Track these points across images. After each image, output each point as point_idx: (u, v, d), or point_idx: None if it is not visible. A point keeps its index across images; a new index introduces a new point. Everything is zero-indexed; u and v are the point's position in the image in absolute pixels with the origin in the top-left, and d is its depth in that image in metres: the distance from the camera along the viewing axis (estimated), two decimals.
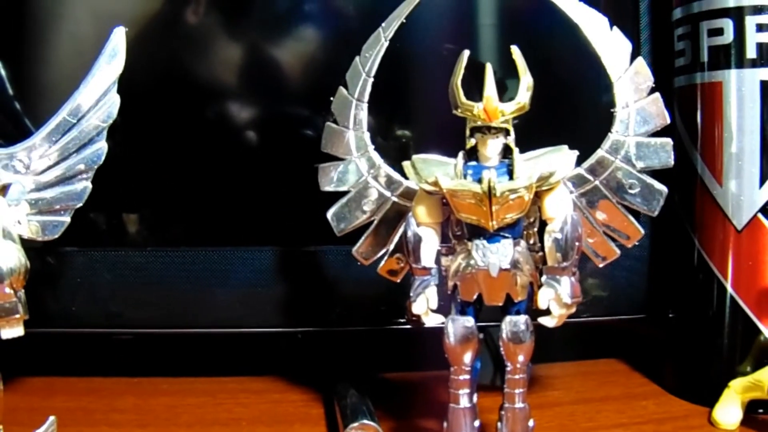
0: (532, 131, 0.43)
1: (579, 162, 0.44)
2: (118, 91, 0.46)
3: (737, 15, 0.50)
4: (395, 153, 0.49)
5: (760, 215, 0.50)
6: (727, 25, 0.50)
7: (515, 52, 0.42)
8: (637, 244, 0.54)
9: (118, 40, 0.45)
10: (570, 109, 0.55)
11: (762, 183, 0.50)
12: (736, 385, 0.50)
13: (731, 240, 0.51)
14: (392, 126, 0.57)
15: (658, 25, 0.57)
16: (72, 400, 0.53)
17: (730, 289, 0.52)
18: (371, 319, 0.57)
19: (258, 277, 0.56)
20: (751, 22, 0.50)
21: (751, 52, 0.50)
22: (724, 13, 0.51)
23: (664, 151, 0.44)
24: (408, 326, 0.51)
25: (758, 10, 0.50)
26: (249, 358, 0.64)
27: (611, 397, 0.55)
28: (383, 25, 0.46)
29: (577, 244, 0.41)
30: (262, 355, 0.64)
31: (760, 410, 0.51)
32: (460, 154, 0.42)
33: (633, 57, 0.46)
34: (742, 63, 0.50)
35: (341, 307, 0.57)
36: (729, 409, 0.50)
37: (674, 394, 0.55)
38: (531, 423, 0.44)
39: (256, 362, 0.62)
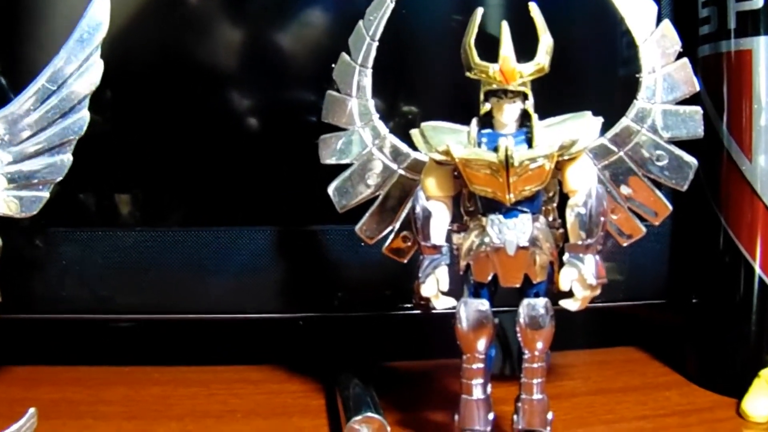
0: (552, 97, 0.39)
1: (602, 132, 0.40)
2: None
3: None
4: (401, 129, 0.44)
5: None
6: None
7: (534, 9, 0.37)
8: (656, 224, 0.52)
9: (99, 4, 0.42)
10: (592, 74, 0.51)
11: None
12: (767, 374, 0.47)
13: (761, 218, 0.47)
14: (398, 99, 0.52)
15: None
16: (57, 390, 0.49)
17: (758, 271, 0.47)
18: (376, 304, 0.52)
19: (255, 259, 0.51)
20: None
21: None
22: None
23: (693, 121, 0.40)
24: (416, 311, 0.47)
25: None
26: (246, 345, 0.59)
27: (631, 387, 0.51)
28: None
29: (602, 219, 0.37)
30: (260, 342, 0.59)
31: None
32: (474, 121, 0.38)
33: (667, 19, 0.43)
34: None
35: (344, 291, 0.52)
36: (759, 400, 0.46)
37: (698, 384, 0.51)
38: (550, 415, 0.40)
39: (253, 350, 0.58)
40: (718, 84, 0.49)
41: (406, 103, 0.53)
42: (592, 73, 0.51)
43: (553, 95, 0.39)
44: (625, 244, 0.42)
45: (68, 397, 0.49)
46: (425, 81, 0.53)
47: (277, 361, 0.55)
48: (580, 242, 0.37)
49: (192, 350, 0.58)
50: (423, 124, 0.39)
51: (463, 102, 0.39)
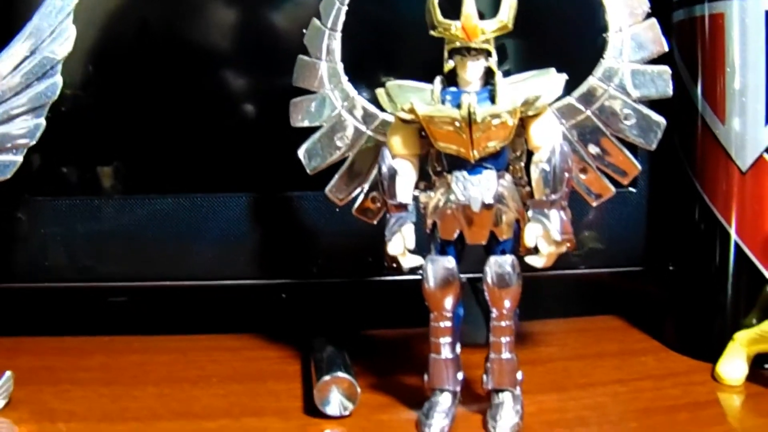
0: (516, 56, 0.39)
1: (569, 91, 0.41)
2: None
3: None
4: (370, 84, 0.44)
5: (766, 155, 0.45)
6: None
7: None
8: (633, 191, 0.52)
9: None
10: (558, 32, 0.51)
11: (767, 120, 0.47)
12: (742, 337, 0.46)
13: (735, 182, 0.47)
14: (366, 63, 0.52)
15: None
16: (37, 359, 0.49)
17: (734, 236, 0.47)
18: (355, 272, 0.52)
19: (233, 226, 0.52)
20: None
21: None
22: None
23: (662, 80, 0.40)
24: (393, 277, 0.47)
25: None
26: (225, 314, 0.59)
27: (608, 353, 0.51)
28: None
29: (566, 175, 0.37)
30: (239, 311, 0.59)
31: (767, 365, 0.47)
32: (437, 79, 0.38)
33: None
34: None
35: (322, 258, 0.52)
36: (734, 363, 0.46)
37: (675, 350, 0.51)
38: (519, 375, 0.40)
39: (232, 319, 0.58)
40: (693, 48, 0.49)
41: (380, 68, 0.53)
42: (562, 33, 0.52)
43: (522, 55, 0.39)
44: (594, 204, 0.42)
45: (48, 365, 0.49)
46: (398, 46, 0.53)
47: (255, 329, 0.55)
48: (544, 198, 0.37)
49: (172, 319, 0.59)
50: (388, 83, 0.40)
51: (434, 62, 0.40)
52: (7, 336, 0.53)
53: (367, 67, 0.49)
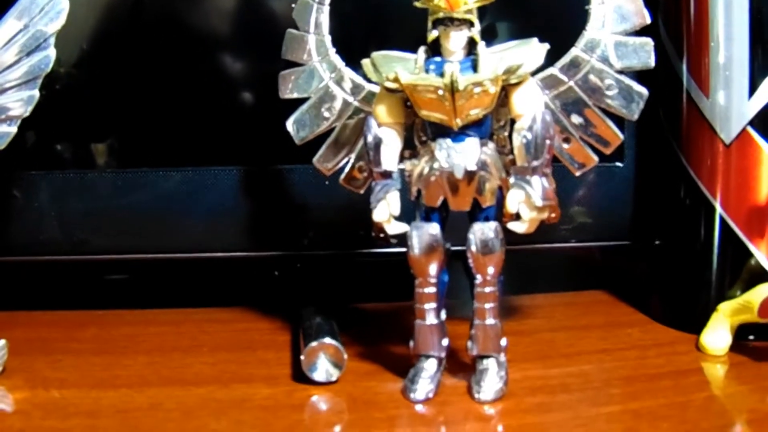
0: (500, 28, 0.40)
1: (552, 62, 0.42)
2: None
3: None
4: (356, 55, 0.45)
5: (749, 128, 0.47)
6: None
7: None
8: (620, 165, 0.53)
9: None
10: (540, 3, 0.52)
11: (751, 94, 0.46)
12: (725, 308, 0.47)
13: (720, 156, 0.48)
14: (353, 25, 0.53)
15: None
16: (31, 331, 0.50)
17: (719, 209, 0.48)
18: (345, 244, 0.53)
19: (224, 199, 0.53)
20: None
21: None
22: None
23: (644, 51, 0.41)
24: (383, 249, 0.49)
25: None
26: (216, 287, 0.61)
27: (594, 325, 0.52)
28: None
29: (548, 143, 0.38)
30: (230, 284, 0.61)
31: (751, 336, 0.47)
32: (421, 49, 0.39)
33: None
34: None
35: (313, 231, 0.54)
36: (717, 333, 0.47)
37: (661, 322, 0.52)
38: (504, 342, 0.41)
39: (223, 292, 0.59)
40: (678, 23, 0.50)
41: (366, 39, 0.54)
42: (545, 4, 0.52)
43: (505, 26, 0.40)
44: (578, 173, 0.43)
45: (41, 336, 0.51)
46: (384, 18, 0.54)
47: (246, 302, 0.56)
48: (526, 164, 0.38)
49: (164, 293, 0.60)
50: (373, 54, 0.41)
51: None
52: (1, 310, 0.55)
53: (354, 38, 0.50)
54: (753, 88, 0.47)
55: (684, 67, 0.49)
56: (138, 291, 0.61)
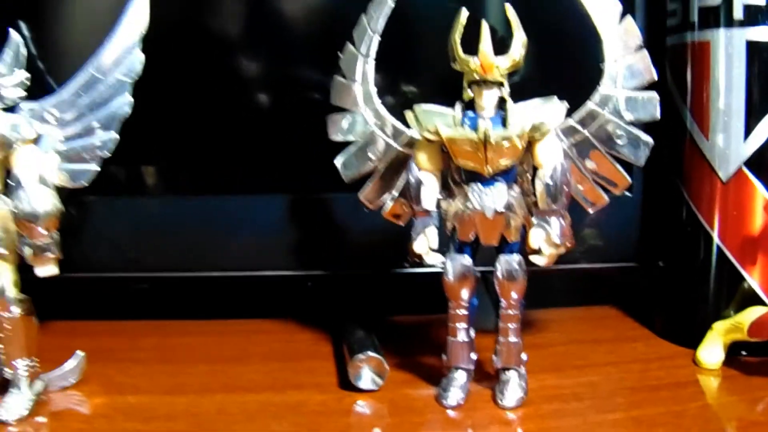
0: (527, 84, 0.49)
1: (570, 114, 0.50)
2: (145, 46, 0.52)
3: None
4: (400, 107, 0.54)
5: (744, 168, 0.56)
6: None
7: (509, 9, 0.47)
8: (630, 196, 0.62)
9: (139, 1, 0.51)
10: (563, 64, 0.61)
11: (746, 137, 0.55)
12: (719, 327, 0.56)
13: (717, 192, 0.57)
14: (397, 81, 0.63)
15: None
16: (94, 341, 0.59)
17: (716, 238, 0.58)
18: (378, 264, 0.63)
19: (271, 223, 0.63)
20: None
21: (738, 14, 0.55)
22: None
23: (651, 105, 0.50)
24: (411, 269, 0.58)
25: None
26: (261, 301, 0.70)
27: (603, 339, 0.62)
28: None
29: (565, 189, 0.48)
30: (274, 298, 0.70)
31: (743, 352, 0.56)
32: (458, 105, 0.48)
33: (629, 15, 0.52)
34: (729, 23, 0.55)
35: (350, 252, 0.63)
36: (712, 349, 0.56)
37: (663, 337, 0.62)
38: (524, 356, 0.51)
39: (267, 306, 0.69)
40: (683, 71, 0.59)
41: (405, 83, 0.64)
42: (565, 64, 0.61)
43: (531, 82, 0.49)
44: (590, 211, 0.52)
45: (105, 346, 0.60)
46: (422, 64, 0.64)
47: (289, 315, 0.66)
48: (546, 207, 0.48)
49: (213, 306, 0.70)
50: (415, 107, 0.50)
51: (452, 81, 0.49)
52: (64, 320, 0.64)
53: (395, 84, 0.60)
54: (748, 132, 0.56)
55: (687, 111, 0.58)
56: (190, 304, 0.71)
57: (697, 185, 0.58)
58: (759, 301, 0.56)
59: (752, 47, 0.55)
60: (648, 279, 0.65)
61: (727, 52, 0.56)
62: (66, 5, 0.63)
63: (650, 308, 0.65)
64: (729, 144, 0.56)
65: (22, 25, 0.61)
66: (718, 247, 0.58)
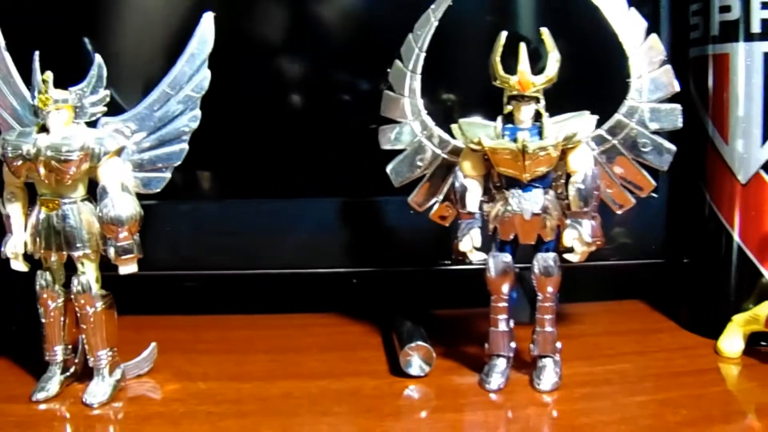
0: (562, 97, 0.55)
1: (600, 124, 0.56)
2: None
3: None
4: (443, 115, 0.61)
5: (761, 171, 0.62)
6: (735, 2, 0.62)
7: (544, 32, 0.54)
8: (656, 196, 0.68)
9: (207, 24, 0.57)
10: (594, 79, 0.67)
11: (764, 142, 0.62)
12: (738, 318, 0.63)
13: (737, 193, 0.63)
14: (441, 92, 0.70)
15: (677, 1, 0.69)
16: (161, 334, 0.65)
17: (736, 237, 0.64)
18: (424, 261, 0.71)
19: (326, 224, 0.70)
20: (755, 0, 0.61)
21: (755, 27, 0.61)
22: None
23: (674, 115, 0.56)
24: (455, 266, 0.64)
25: None
26: (315, 297, 0.78)
27: (632, 330, 0.69)
28: (432, 6, 0.58)
29: (595, 193, 0.54)
30: (327, 294, 0.78)
31: (763, 342, 0.63)
32: (499, 118, 0.55)
33: (655, 30, 0.58)
34: (748, 37, 0.61)
35: (400, 250, 0.71)
36: (732, 340, 0.62)
37: (687, 329, 0.68)
38: (558, 345, 0.57)
39: (321, 301, 0.76)
40: (704, 81, 0.65)
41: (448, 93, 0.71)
42: (597, 78, 0.67)
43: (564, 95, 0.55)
44: (618, 212, 0.58)
45: (172, 337, 0.67)
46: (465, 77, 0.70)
47: (340, 310, 0.74)
48: (578, 210, 0.54)
49: (270, 302, 0.77)
50: (460, 120, 0.56)
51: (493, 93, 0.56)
52: (132, 315, 0.70)
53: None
54: (765, 138, 0.62)
55: (709, 118, 0.65)
56: (247, 299, 0.78)
57: (719, 187, 0.65)
58: None
59: None
60: (674, 275, 0.72)
61: (745, 63, 0.62)
62: (123, 18, 0.70)
63: (676, 302, 0.72)
64: (747, 149, 0.62)
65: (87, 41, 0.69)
66: (738, 245, 0.64)
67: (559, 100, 0.55)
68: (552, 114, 0.55)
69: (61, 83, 0.55)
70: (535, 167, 0.54)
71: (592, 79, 0.65)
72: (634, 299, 0.77)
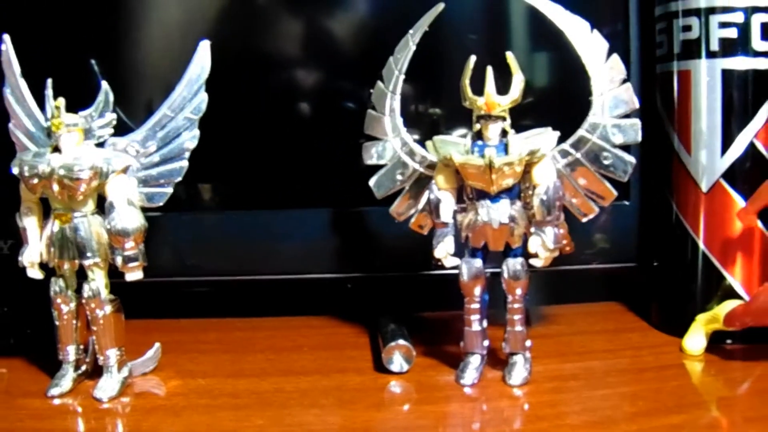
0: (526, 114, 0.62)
1: (564, 139, 0.63)
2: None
3: (704, 14, 0.68)
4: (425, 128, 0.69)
5: (721, 180, 0.69)
6: (695, 22, 0.69)
7: (509, 56, 0.61)
8: (628, 204, 0.75)
9: (204, 51, 0.64)
10: (557, 97, 0.75)
11: (723, 153, 0.68)
12: (701, 318, 0.70)
13: (700, 201, 0.70)
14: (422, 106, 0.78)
15: (645, 20, 0.76)
16: (164, 336, 0.72)
17: (700, 242, 0.71)
18: (406, 267, 0.78)
19: (315, 233, 0.79)
20: (714, 20, 0.68)
21: (714, 46, 0.68)
22: (693, 12, 0.69)
23: (633, 130, 0.63)
24: (434, 272, 0.71)
25: (720, 10, 0.68)
26: (307, 301, 0.86)
27: (605, 330, 0.76)
28: (411, 31, 0.66)
29: (557, 203, 0.61)
30: (318, 299, 0.86)
31: (728, 340, 0.70)
32: (469, 136, 0.62)
33: (624, 47, 0.65)
34: (707, 54, 0.68)
35: (382, 257, 0.79)
36: (695, 338, 0.69)
37: (658, 329, 0.75)
38: (528, 343, 0.64)
39: (312, 305, 0.85)
40: (670, 95, 0.72)
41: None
42: (558, 96, 0.76)
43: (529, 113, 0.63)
44: (583, 220, 0.65)
45: (175, 339, 0.74)
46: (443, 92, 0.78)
47: (331, 312, 0.82)
48: (542, 219, 0.61)
49: (265, 306, 0.86)
50: (434, 138, 0.64)
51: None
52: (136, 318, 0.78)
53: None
54: (724, 149, 0.69)
55: (673, 130, 0.72)
56: (243, 303, 0.87)
57: (683, 196, 0.72)
58: (738, 297, 0.69)
59: (727, 75, 0.68)
60: (645, 277, 0.79)
61: (707, 79, 0.69)
62: (132, 40, 0.79)
63: (647, 303, 0.79)
64: (709, 159, 0.69)
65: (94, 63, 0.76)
66: (703, 252, 0.71)
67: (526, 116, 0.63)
68: (519, 131, 0.62)
69: (68, 102, 0.62)
70: (502, 180, 0.61)
71: (556, 96, 0.72)
72: (610, 301, 0.85)
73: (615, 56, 0.63)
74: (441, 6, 0.65)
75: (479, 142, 0.62)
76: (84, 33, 0.78)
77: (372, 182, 0.67)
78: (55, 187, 0.61)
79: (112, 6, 0.79)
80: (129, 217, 0.62)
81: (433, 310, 0.83)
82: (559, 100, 0.74)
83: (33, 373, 0.67)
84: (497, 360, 0.66)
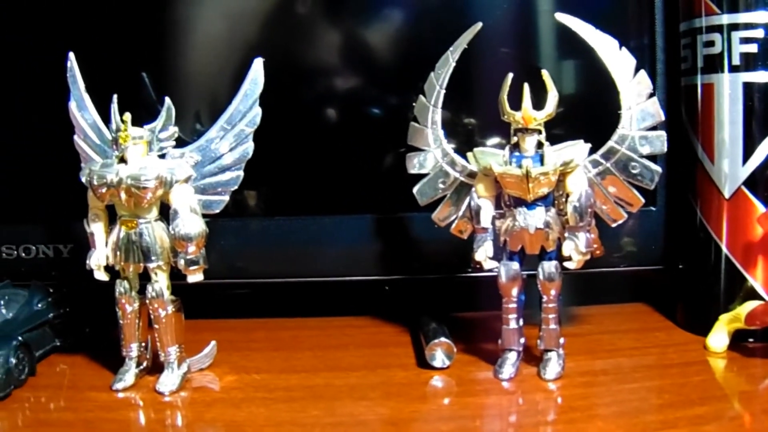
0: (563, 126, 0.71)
1: (594, 150, 0.72)
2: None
3: (726, 30, 0.76)
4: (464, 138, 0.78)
5: (743, 187, 0.77)
6: (718, 38, 0.77)
7: (545, 74, 0.69)
8: (655, 209, 0.83)
9: (257, 68, 0.73)
10: (590, 110, 0.84)
11: (744, 161, 0.77)
12: (724, 317, 0.77)
13: (723, 207, 0.79)
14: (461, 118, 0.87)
15: (670, 36, 0.85)
16: (216, 335, 0.80)
17: (724, 249, 0.79)
18: (446, 270, 0.87)
19: (359, 238, 0.88)
20: (736, 36, 0.76)
21: (736, 60, 0.76)
22: (716, 29, 0.77)
23: (659, 141, 0.71)
24: (473, 274, 0.80)
25: (742, 26, 0.76)
26: (351, 302, 0.96)
27: (632, 329, 0.85)
28: (451, 49, 0.74)
29: (589, 210, 0.70)
30: (361, 300, 0.96)
31: (750, 339, 0.78)
32: (507, 147, 0.71)
33: (651, 61, 0.73)
34: (730, 68, 0.76)
35: (423, 260, 0.88)
36: (718, 336, 0.77)
37: (683, 328, 0.84)
38: (562, 340, 0.73)
39: (356, 306, 0.94)
40: (694, 107, 0.80)
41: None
42: (591, 110, 0.84)
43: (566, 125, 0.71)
44: (613, 225, 0.73)
45: (226, 338, 0.82)
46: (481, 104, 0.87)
47: (374, 313, 0.91)
48: (575, 224, 0.70)
49: (311, 307, 0.95)
50: (475, 150, 0.73)
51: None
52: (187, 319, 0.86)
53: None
54: (746, 158, 0.77)
55: (697, 140, 0.80)
56: (290, 304, 0.97)
57: (707, 202, 0.80)
58: (759, 298, 0.77)
59: (748, 88, 0.76)
60: (671, 279, 0.87)
61: (729, 92, 0.77)
62: (179, 53, 0.88)
63: (673, 304, 0.87)
64: (731, 167, 0.77)
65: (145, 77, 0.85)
66: (726, 256, 0.79)
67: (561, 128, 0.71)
68: (553, 143, 0.71)
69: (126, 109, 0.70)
70: (538, 189, 0.69)
71: (588, 110, 0.81)
72: (638, 302, 0.94)
73: (642, 72, 0.71)
74: (479, 25, 0.73)
75: (516, 153, 0.70)
76: (135, 48, 0.87)
77: (415, 190, 0.76)
78: (123, 196, 0.69)
79: (160, 23, 0.87)
80: (192, 223, 0.70)
81: (470, 310, 0.92)
82: (591, 114, 0.83)
83: (96, 369, 0.76)
84: (532, 356, 0.75)
